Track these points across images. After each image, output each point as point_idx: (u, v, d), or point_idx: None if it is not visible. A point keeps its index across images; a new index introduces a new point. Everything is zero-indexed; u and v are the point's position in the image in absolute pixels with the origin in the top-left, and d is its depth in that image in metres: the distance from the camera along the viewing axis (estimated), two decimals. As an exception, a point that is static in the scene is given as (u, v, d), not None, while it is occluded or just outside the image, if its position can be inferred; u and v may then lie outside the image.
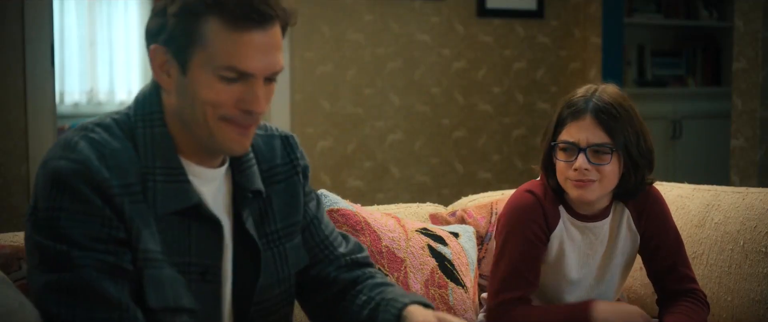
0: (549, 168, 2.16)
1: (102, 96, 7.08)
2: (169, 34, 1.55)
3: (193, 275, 1.62)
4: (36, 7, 3.73)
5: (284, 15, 1.58)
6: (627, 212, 2.21)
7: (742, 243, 2.41)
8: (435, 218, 2.56)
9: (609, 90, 2.13)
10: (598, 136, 2.07)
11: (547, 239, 2.17)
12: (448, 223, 2.55)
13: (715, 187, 2.62)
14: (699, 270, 2.46)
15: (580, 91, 2.14)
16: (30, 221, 1.55)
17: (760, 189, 2.51)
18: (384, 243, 2.25)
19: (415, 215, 2.56)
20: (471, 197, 2.76)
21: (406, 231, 2.33)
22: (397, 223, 2.34)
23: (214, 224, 1.64)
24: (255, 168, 1.72)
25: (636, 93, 5.88)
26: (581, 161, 2.07)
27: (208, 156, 1.65)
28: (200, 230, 1.62)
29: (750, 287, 2.38)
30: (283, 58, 1.62)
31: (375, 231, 2.26)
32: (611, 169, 2.09)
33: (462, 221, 2.55)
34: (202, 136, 1.58)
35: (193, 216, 1.61)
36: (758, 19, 4.23)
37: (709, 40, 6.31)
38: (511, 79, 5.25)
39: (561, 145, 2.11)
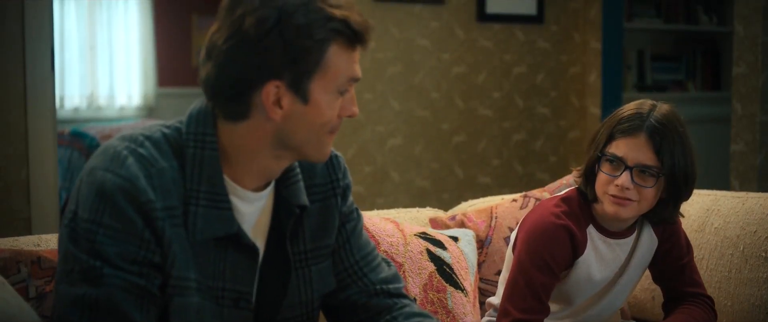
0: (590, 177, 2.12)
1: (102, 100, 7.09)
2: (285, 62, 1.51)
3: (226, 301, 1.61)
4: (36, 11, 3.73)
5: None
6: (647, 225, 2.21)
7: (742, 248, 2.41)
8: (435, 222, 2.55)
9: (664, 110, 2.09)
10: (647, 157, 2.03)
11: (572, 265, 2.14)
12: (447, 227, 2.55)
13: (714, 192, 2.61)
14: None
15: (632, 106, 2.11)
16: (68, 228, 1.53)
17: (760, 194, 2.51)
18: (382, 248, 2.25)
19: (414, 219, 2.55)
20: (471, 202, 2.76)
21: (404, 235, 2.32)
22: (395, 227, 2.34)
23: (251, 252, 1.63)
24: (301, 183, 1.70)
25: (636, 98, 5.86)
26: (625, 179, 2.03)
27: (261, 180, 1.63)
28: (236, 257, 1.61)
29: (750, 291, 2.37)
30: None
31: (373, 236, 2.26)
32: (652, 193, 2.06)
33: (462, 225, 2.55)
34: (309, 151, 1.60)
35: (231, 243, 1.60)
36: (758, 24, 4.23)
37: (709, 45, 6.32)
38: (511, 83, 5.26)
39: (608, 157, 2.07)
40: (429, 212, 2.63)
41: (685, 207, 2.58)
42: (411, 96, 5.00)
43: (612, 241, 2.17)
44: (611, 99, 5.31)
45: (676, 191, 2.08)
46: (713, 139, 5.87)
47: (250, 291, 1.64)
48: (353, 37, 1.55)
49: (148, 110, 7.24)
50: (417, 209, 2.63)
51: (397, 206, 2.90)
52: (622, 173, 2.04)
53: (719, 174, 5.25)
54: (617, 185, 2.04)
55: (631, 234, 2.19)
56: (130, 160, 1.52)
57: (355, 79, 1.59)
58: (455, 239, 2.44)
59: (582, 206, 2.15)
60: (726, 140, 4.64)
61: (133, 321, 1.50)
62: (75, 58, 6.90)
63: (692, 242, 2.49)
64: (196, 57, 7.26)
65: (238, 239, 1.60)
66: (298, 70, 1.52)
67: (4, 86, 3.69)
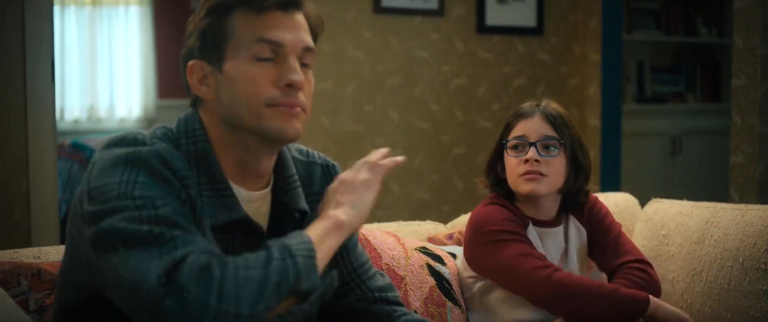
0: (499, 173, 2.28)
1: (102, 112, 7.10)
2: (201, 42, 1.59)
3: None
4: (37, 23, 3.74)
5: (307, 9, 1.64)
6: (572, 217, 2.33)
7: (741, 260, 2.41)
8: (432, 241, 2.56)
9: (553, 103, 2.28)
10: (547, 130, 2.20)
11: (524, 229, 2.24)
12: (445, 245, 2.55)
13: (714, 204, 2.61)
14: (698, 287, 2.46)
15: (526, 103, 2.30)
16: (92, 203, 1.45)
17: (760, 206, 2.51)
18: (384, 261, 2.25)
19: (414, 233, 2.56)
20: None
21: (405, 249, 2.33)
22: (396, 241, 2.34)
23: (260, 238, 1.61)
24: (300, 189, 1.71)
25: (635, 110, 5.89)
26: (532, 153, 2.19)
27: (251, 176, 1.64)
28: (243, 245, 1.60)
29: (749, 304, 2.37)
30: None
31: (375, 249, 2.26)
32: (559, 164, 2.20)
33: (459, 243, 2.56)
34: (253, 128, 1.57)
35: (238, 230, 1.60)
36: (757, 36, 4.23)
37: (709, 57, 6.33)
38: (511, 95, 5.26)
39: (512, 141, 2.23)
40: (429, 226, 2.63)
41: (685, 219, 2.58)
42: (411, 108, 5.00)
43: (548, 230, 2.27)
44: (611, 111, 5.31)
45: (577, 164, 2.23)
46: (713, 151, 5.88)
47: None
48: (248, 2, 1.57)
49: (148, 122, 7.24)
50: (417, 222, 2.64)
51: (398, 219, 2.90)
52: (528, 150, 2.20)
53: (719, 186, 5.25)
54: (526, 160, 2.19)
55: (559, 224, 2.30)
56: (154, 140, 1.54)
57: (266, 40, 1.56)
58: (454, 256, 2.45)
59: (511, 206, 2.27)
60: (725, 152, 4.64)
61: (194, 231, 1.45)
62: (75, 70, 6.92)
63: (692, 255, 2.49)
64: (197, 69, 7.27)
65: (246, 224, 1.60)
66: (209, 44, 1.58)
67: (5, 98, 3.69)
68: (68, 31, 6.84)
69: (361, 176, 1.68)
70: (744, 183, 4.29)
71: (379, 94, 4.91)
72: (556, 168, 2.20)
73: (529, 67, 5.29)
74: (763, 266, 2.37)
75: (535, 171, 2.18)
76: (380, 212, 4.86)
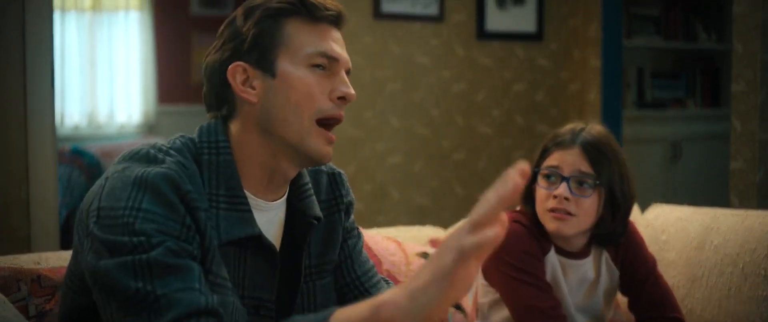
0: (529, 198, 2.13)
1: (102, 118, 7.10)
2: (249, 46, 1.59)
3: (247, 309, 1.60)
4: (37, 28, 3.74)
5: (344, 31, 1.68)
6: (605, 253, 2.21)
7: (741, 266, 2.41)
8: (434, 243, 2.55)
9: (597, 128, 2.12)
10: (583, 166, 2.05)
11: (543, 259, 2.15)
12: (447, 246, 2.55)
13: (714, 209, 2.61)
14: (698, 293, 2.46)
15: (566, 127, 2.15)
16: (96, 224, 1.45)
17: (760, 211, 2.51)
18: (385, 267, 2.25)
19: (415, 238, 2.55)
20: (470, 220, 2.76)
21: (406, 255, 2.33)
22: (397, 246, 2.34)
23: (271, 255, 1.61)
24: (314, 197, 1.72)
25: (635, 115, 5.89)
26: (563, 188, 2.04)
27: (274, 186, 1.64)
28: (256, 261, 1.60)
29: (750, 309, 2.37)
30: None
31: (376, 255, 2.26)
32: (591, 204, 2.05)
33: (461, 244, 2.55)
34: (294, 140, 1.58)
35: (251, 247, 1.59)
36: (757, 41, 4.23)
37: (708, 62, 6.33)
38: (511, 101, 5.26)
39: (544, 171, 2.08)
40: (429, 231, 2.63)
41: (685, 225, 2.58)
42: (411, 113, 5.00)
43: (573, 261, 2.16)
44: (611, 116, 5.31)
45: (615, 203, 2.08)
46: (713, 156, 5.88)
47: (271, 298, 1.63)
48: (307, 11, 1.59)
49: (148, 128, 7.24)
50: (417, 227, 2.64)
51: (397, 224, 2.90)
52: (559, 185, 2.05)
53: (719, 191, 5.25)
54: (556, 197, 2.05)
55: (587, 256, 2.18)
56: (168, 159, 1.53)
57: (326, 55, 1.60)
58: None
59: (539, 229, 2.14)
60: (725, 157, 4.64)
61: (191, 269, 1.43)
62: (75, 75, 6.92)
63: (692, 261, 2.48)
64: (196, 74, 7.27)
65: (259, 241, 1.60)
66: (260, 48, 1.58)
67: (5, 103, 3.69)
68: (68, 36, 6.85)
69: (443, 259, 1.20)
70: (744, 189, 4.29)
71: (379, 100, 4.91)
72: (586, 208, 2.05)
73: (529, 73, 5.29)
74: (763, 272, 2.37)
75: (563, 209, 2.04)
76: (380, 218, 4.86)
